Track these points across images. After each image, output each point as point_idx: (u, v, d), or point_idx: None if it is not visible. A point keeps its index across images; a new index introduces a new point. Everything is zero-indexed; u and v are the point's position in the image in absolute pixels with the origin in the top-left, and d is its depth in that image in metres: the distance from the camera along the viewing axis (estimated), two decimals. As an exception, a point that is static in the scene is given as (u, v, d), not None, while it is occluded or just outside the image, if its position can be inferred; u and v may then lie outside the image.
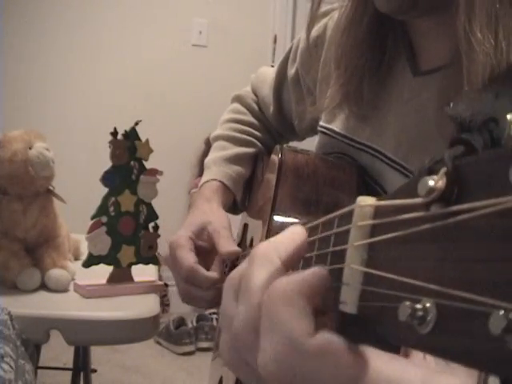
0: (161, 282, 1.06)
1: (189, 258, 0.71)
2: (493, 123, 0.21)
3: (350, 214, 0.27)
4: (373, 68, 0.64)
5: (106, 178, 0.93)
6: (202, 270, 0.70)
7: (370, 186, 0.64)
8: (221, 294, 0.74)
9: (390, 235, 0.23)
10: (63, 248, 1.03)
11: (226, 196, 0.82)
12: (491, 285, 0.16)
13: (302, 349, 0.27)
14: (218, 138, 0.91)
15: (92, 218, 0.93)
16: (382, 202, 0.25)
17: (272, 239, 0.33)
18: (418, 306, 0.20)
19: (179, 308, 2.78)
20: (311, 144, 0.80)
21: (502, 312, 0.15)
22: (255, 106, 0.94)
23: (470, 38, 0.49)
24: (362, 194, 0.63)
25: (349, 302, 0.25)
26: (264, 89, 0.92)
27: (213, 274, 0.71)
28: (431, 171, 0.20)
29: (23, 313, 0.82)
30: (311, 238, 0.33)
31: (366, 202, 0.26)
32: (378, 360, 0.27)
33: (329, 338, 0.27)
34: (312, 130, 0.83)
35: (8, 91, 2.72)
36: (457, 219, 0.19)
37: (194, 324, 2.57)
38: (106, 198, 0.94)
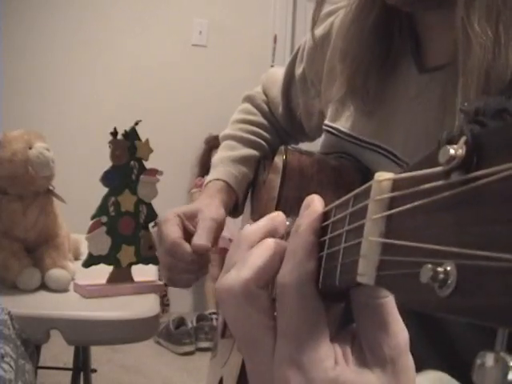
0: (161, 282, 1.06)
1: (174, 231, 0.72)
2: (506, 113, 0.22)
3: (367, 190, 0.28)
4: (379, 62, 0.64)
5: (106, 178, 0.93)
6: (185, 244, 0.72)
7: None
8: (199, 271, 0.76)
9: (409, 205, 0.23)
10: (63, 248, 1.03)
11: (229, 196, 0.83)
12: (510, 242, 0.17)
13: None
14: (227, 137, 0.92)
15: (92, 218, 0.93)
16: (401, 175, 0.25)
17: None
18: (440, 269, 0.20)
19: (179, 308, 2.79)
20: (314, 145, 0.80)
21: None
22: (265, 107, 0.95)
23: (468, 29, 0.49)
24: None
25: (367, 273, 0.26)
26: (274, 89, 0.92)
27: (197, 241, 0.72)
28: (451, 141, 0.21)
29: (23, 313, 0.82)
30: (324, 224, 0.33)
31: (384, 176, 0.27)
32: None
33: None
34: (320, 129, 0.84)
35: (8, 91, 2.72)
36: (477, 184, 0.19)
37: (194, 324, 2.57)
38: (105, 198, 0.93)
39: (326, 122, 0.75)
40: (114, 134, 0.94)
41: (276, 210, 0.61)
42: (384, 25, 0.63)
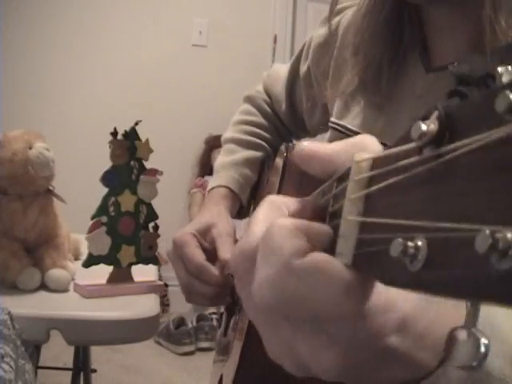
0: (161, 282, 1.06)
1: (198, 254, 0.72)
2: (490, 79, 0.22)
3: (347, 171, 0.28)
4: (391, 57, 0.64)
5: (106, 178, 0.93)
6: (212, 268, 0.71)
7: None
8: (223, 294, 0.74)
9: (385, 183, 0.24)
10: (63, 248, 1.03)
11: (233, 202, 0.83)
12: (480, 212, 0.17)
13: (292, 268, 0.27)
14: (228, 140, 0.91)
15: (92, 218, 0.93)
16: (379, 154, 0.26)
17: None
18: (410, 243, 0.20)
19: (179, 308, 2.78)
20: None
21: (487, 231, 0.16)
22: (266, 107, 0.94)
23: (495, 27, 0.50)
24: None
25: (345, 252, 0.26)
26: (277, 86, 0.92)
27: (220, 272, 0.71)
28: (425, 117, 0.21)
29: (23, 313, 0.82)
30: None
31: (363, 156, 0.27)
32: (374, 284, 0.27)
33: (319, 257, 0.27)
34: (323, 126, 0.84)
35: (8, 91, 2.72)
36: (448, 157, 0.19)
37: (194, 324, 2.57)
38: (105, 198, 0.94)
39: (332, 119, 0.75)
40: (114, 134, 0.94)
41: None
42: (395, 21, 0.64)
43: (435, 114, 0.20)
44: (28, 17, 2.82)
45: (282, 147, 0.68)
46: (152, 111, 2.88)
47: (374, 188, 0.25)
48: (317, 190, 0.34)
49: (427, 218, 0.20)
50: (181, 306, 2.87)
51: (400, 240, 0.21)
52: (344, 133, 0.71)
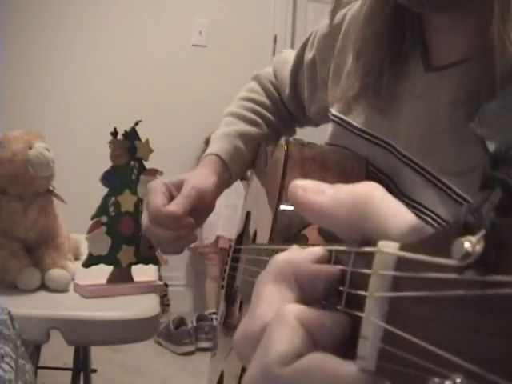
0: (161, 282, 1.06)
1: (158, 199, 0.73)
2: None
3: (370, 255, 0.25)
4: (391, 61, 0.65)
5: (106, 178, 0.93)
6: (165, 210, 0.73)
7: (381, 181, 0.64)
8: (186, 236, 0.77)
9: (416, 293, 0.21)
10: (63, 248, 1.03)
11: (223, 169, 0.85)
12: None
13: (271, 374, 0.25)
14: (228, 114, 0.93)
15: (92, 218, 0.93)
16: (408, 255, 0.22)
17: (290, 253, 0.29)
18: (447, 382, 0.18)
19: (179, 308, 2.78)
20: (316, 135, 0.80)
21: None
22: (271, 87, 0.96)
23: (504, 38, 0.50)
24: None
25: (367, 357, 0.23)
26: (284, 70, 0.93)
27: (169, 207, 0.73)
28: (467, 230, 0.18)
29: (23, 313, 0.82)
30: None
31: (389, 248, 0.24)
32: None
33: (313, 359, 0.24)
34: (321, 116, 0.85)
35: (8, 91, 2.72)
36: (495, 292, 0.17)
37: (194, 324, 2.57)
38: (105, 198, 0.94)
39: (335, 112, 0.75)
40: (114, 133, 0.94)
41: (278, 204, 0.61)
42: (396, 24, 0.64)
43: (482, 232, 0.18)
44: (28, 17, 2.82)
45: (282, 141, 0.67)
46: (152, 111, 2.88)
47: (402, 294, 0.22)
48: (326, 247, 0.29)
49: (465, 356, 0.17)
50: (181, 306, 2.87)
51: (436, 380, 0.18)
52: (348, 129, 0.71)
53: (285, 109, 0.95)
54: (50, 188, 1.02)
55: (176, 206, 0.73)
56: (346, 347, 0.25)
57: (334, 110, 0.75)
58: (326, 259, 0.28)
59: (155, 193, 0.75)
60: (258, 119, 0.91)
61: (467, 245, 0.18)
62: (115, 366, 2.19)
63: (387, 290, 0.23)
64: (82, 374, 1.44)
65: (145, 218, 0.75)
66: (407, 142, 0.62)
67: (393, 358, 0.22)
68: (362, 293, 0.24)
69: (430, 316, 0.20)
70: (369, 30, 0.65)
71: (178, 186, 0.77)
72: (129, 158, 0.95)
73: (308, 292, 0.27)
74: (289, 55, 0.95)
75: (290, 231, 0.59)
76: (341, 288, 0.27)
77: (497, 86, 0.51)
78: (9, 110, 2.61)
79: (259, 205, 0.79)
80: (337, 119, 0.74)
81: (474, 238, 0.18)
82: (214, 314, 2.62)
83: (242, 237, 0.91)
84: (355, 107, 0.71)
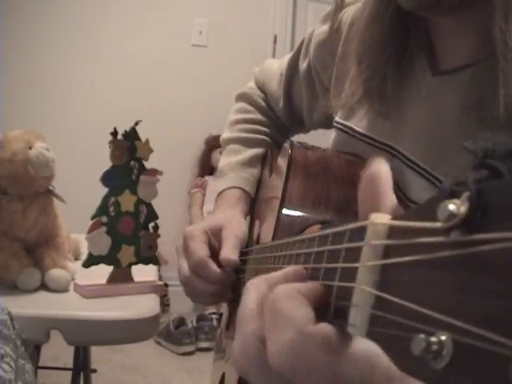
0: (161, 282, 1.06)
1: (201, 249, 0.71)
2: None
3: (363, 229, 0.26)
4: (395, 64, 0.64)
5: (106, 178, 0.93)
6: (212, 264, 0.70)
7: None
8: (222, 292, 0.74)
9: (405, 258, 0.22)
10: (63, 248, 1.03)
11: (246, 202, 0.83)
12: None
13: (306, 333, 0.28)
14: (229, 141, 0.91)
15: (92, 218, 0.93)
16: (398, 223, 0.24)
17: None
18: (433, 339, 0.19)
19: (179, 308, 2.78)
20: (320, 141, 0.79)
21: None
22: (262, 102, 0.94)
23: (507, 38, 0.49)
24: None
25: (358, 325, 0.25)
26: (272, 84, 0.92)
27: (221, 270, 0.71)
28: (453, 194, 0.19)
29: (23, 313, 0.82)
30: (320, 249, 0.32)
31: (381, 219, 0.25)
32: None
33: (329, 331, 0.27)
34: (322, 123, 0.84)
35: (8, 91, 2.72)
36: (478, 249, 0.17)
37: (194, 324, 2.57)
38: (105, 198, 0.94)
39: (337, 119, 0.74)
40: (114, 134, 0.94)
41: (281, 207, 0.61)
42: (400, 28, 0.63)
43: (466, 194, 0.18)
44: (28, 17, 2.82)
45: (286, 144, 0.67)
46: (152, 111, 2.88)
47: (392, 260, 0.23)
48: (324, 231, 0.32)
49: (452, 313, 0.18)
50: (181, 306, 2.87)
51: (422, 336, 0.19)
52: (351, 134, 0.71)
53: (280, 121, 0.94)
54: (50, 188, 1.02)
55: (232, 254, 0.70)
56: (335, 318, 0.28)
57: (337, 117, 0.74)
58: (301, 275, 0.34)
59: (196, 241, 0.71)
60: (262, 137, 0.90)
61: (452, 207, 0.19)
62: (115, 366, 2.19)
63: (379, 259, 0.24)
64: (82, 373, 1.44)
65: (184, 267, 0.72)
66: (413, 146, 0.61)
67: (382, 323, 0.23)
68: (355, 265, 0.26)
69: (419, 279, 0.21)
70: (371, 34, 0.64)
71: (215, 232, 0.74)
72: (129, 157, 0.95)
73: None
74: (272, 66, 0.93)
75: (292, 232, 0.59)
76: (335, 265, 0.29)
77: (499, 88, 0.49)
78: (9, 110, 2.61)
79: (263, 208, 0.79)
80: (339, 125, 0.73)
81: (458, 201, 0.19)
82: (213, 314, 2.62)
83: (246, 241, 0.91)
84: (357, 111, 0.70)
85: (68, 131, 2.82)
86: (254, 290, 0.34)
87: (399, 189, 0.63)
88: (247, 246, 0.89)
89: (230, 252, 0.71)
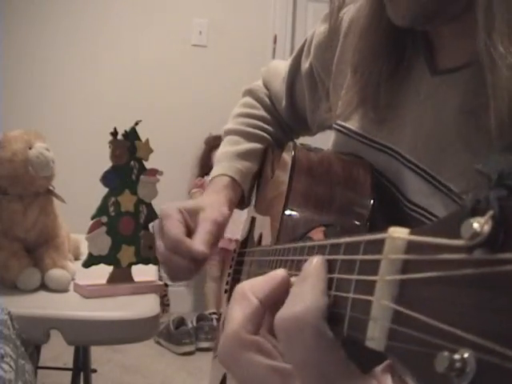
0: (161, 282, 1.06)
1: (176, 227, 0.71)
2: None
3: (380, 242, 0.26)
4: (390, 70, 0.64)
5: (106, 178, 0.93)
6: (188, 241, 0.71)
7: (385, 187, 0.64)
8: (201, 265, 0.75)
9: (425, 274, 0.22)
10: (63, 248, 1.03)
11: (235, 191, 0.83)
12: None
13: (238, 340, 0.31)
14: (230, 132, 0.91)
15: (92, 218, 0.93)
16: (417, 238, 0.23)
17: (252, 279, 0.36)
18: (456, 356, 0.18)
19: (179, 308, 2.79)
20: (322, 142, 0.79)
21: None
22: (267, 100, 0.95)
23: (492, 52, 0.47)
24: (376, 194, 0.61)
25: (376, 338, 0.24)
26: (276, 83, 0.92)
27: (198, 247, 0.71)
28: (475, 212, 0.19)
29: (23, 313, 0.82)
30: (332, 257, 0.32)
31: (399, 233, 0.25)
32: None
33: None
34: (326, 126, 0.84)
35: (8, 91, 2.72)
36: (502, 269, 0.18)
37: (194, 324, 2.57)
38: (105, 198, 0.94)
39: (338, 121, 0.74)
40: (114, 134, 0.94)
41: (284, 207, 0.61)
42: (396, 32, 0.63)
43: (490, 212, 0.18)
44: (28, 17, 2.82)
45: (290, 144, 0.67)
46: (152, 111, 2.88)
47: (412, 276, 0.23)
48: (337, 240, 0.32)
49: (474, 331, 0.18)
50: (181, 306, 2.87)
51: (445, 353, 0.19)
52: (349, 135, 0.71)
53: (283, 120, 0.94)
54: (50, 188, 1.02)
55: (203, 246, 0.70)
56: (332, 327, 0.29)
57: (338, 121, 0.75)
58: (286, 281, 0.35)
59: (171, 220, 0.72)
60: (262, 134, 0.90)
61: (476, 225, 0.19)
62: (115, 366, 2.19)
63: (397, 274, 0.24)
64: (82, 373, 1.44)
65: (161, 246, 0.72)
66: (412, 147, 0.61)
67: (402, 338, 0.23)
68: (373, 278, 0.25)
69: (439, 296, 0.21)
70: (366, 42, 0.64)
71: (193, 213, 0.74)
72: (129, 157, 0.95)
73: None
74: (278, 66, 0.94)
75: (295, 233, 0.59)
76: (352, 277, 0.28)
77: (490, 100, 0.48)
78: (9, 110, 2.61)
79: (265, 208, 0.79)
80: (338, 126, 0.73)
81: (482, 219, 0.19)
82: (214, 313, 2.62)
83: (247, 242, 0.91)
84: (356, 113, 0.70)
85: (68, 131, 2.82)
86: (240, 302, 0.35)
87: (398, 190, 0.62)
88: (246, 245, 0.89)
89: (200, 241, 0.71)
